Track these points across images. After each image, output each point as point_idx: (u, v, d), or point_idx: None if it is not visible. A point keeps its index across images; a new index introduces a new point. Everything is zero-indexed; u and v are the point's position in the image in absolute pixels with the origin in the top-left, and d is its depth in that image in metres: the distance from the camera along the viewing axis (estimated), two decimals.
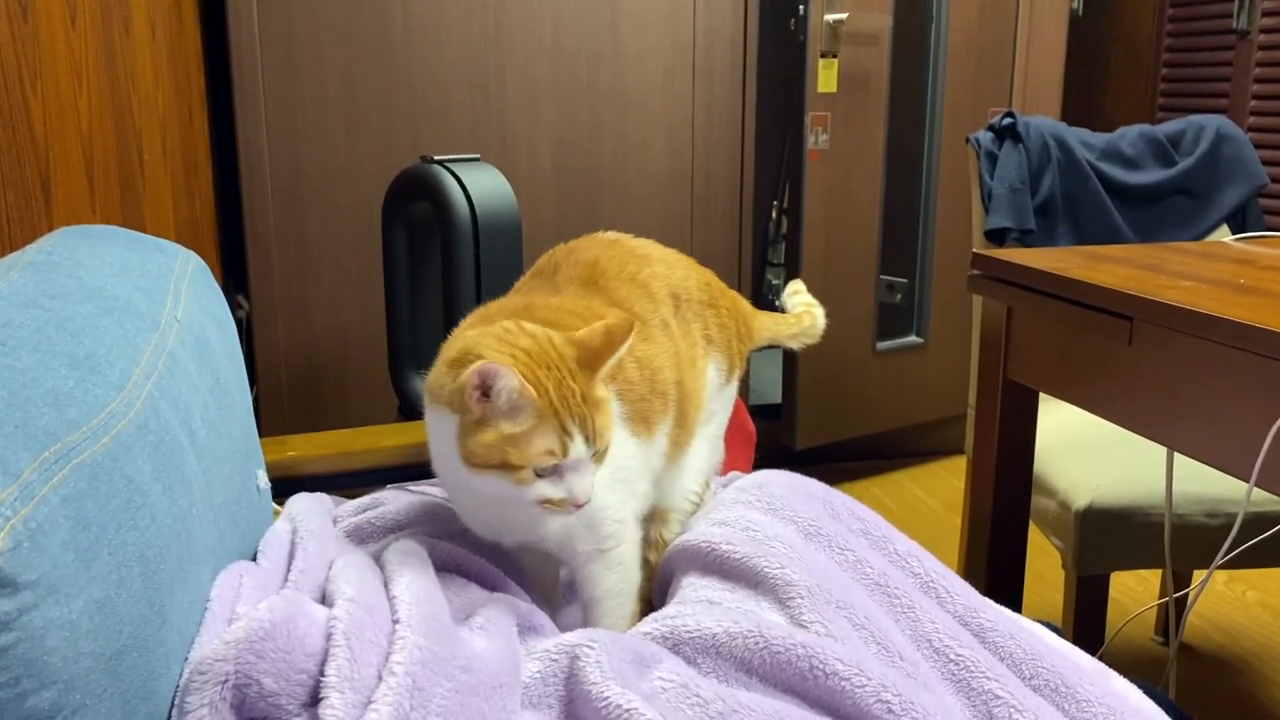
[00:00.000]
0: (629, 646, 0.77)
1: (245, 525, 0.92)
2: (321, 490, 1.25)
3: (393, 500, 1.07)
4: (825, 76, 2.64)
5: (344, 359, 2.45)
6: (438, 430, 0.84)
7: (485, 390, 0.78)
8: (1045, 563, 2.35)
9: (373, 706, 0.59)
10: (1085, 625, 1.61)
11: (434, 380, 0.84)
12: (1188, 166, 2.01)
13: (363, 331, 2.43)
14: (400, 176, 1.98)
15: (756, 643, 0.79)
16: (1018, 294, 1.36)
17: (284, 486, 1.25)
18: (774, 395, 2.89)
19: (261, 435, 2.42)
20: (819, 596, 0.86)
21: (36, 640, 0.52)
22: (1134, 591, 2.32)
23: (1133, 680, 0.93)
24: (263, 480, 1.04)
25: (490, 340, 0.83)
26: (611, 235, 1.12)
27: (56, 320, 0.74)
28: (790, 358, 2.77)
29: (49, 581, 0.54)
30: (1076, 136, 1.97)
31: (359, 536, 0.96)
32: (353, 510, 1.06)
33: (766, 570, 0.88)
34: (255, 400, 2.39)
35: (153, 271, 0.98)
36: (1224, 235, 2.01)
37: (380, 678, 0.62)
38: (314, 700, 0.62)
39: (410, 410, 1.99)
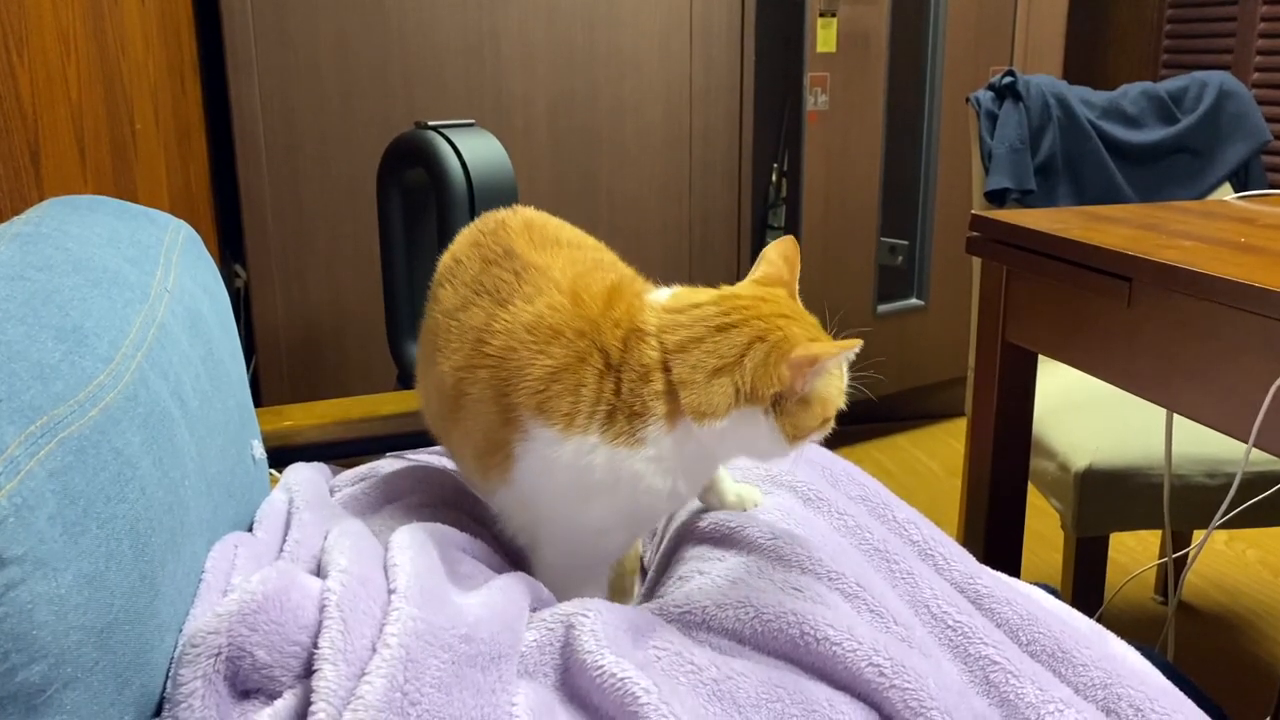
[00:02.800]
0: (624, 616, 0.77)
1: (240, 496, 0.92)
2: (320, 459, 1.25)
3: (389, 468, 1.06)
4: (824, 36, 2.61)
5: (342, 326, 2.44)
6: (739, 431, 0.81)
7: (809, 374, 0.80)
8: (1045, 523, 2.36)
9: (365, 678, 0.59)
10: (1084, 586, 1.61)
11: (722, 393, 0.80)
12: (1190, 124, 1.99)
13: (361, 299, 2.42)
14: (394, 143, 1.96)
15: (747, 612, 0.79)
16: (1016, 255, 1.35)
17: (282, 456, 1.25)
18: None
19: (262, 404, 2.42)
20: (811, 565, 0.86)
21: (24, 615, 0.52)
22: (1133, 551, 2.33)
23: (1131, 642, 0.93)
24: (258, 450, 1.04)
25: (770, 323, 0.82)
26: (492, 220, 0.99)
27: (43, 293, 0.73)
28: None
29: (36, 556, 0.53)
30: (1078, 95, 1.94)
31: (356, 506, 0.96)
32: (349, 480, 1.06)
33: (759, 540, 0.88)
34: (254, 370, 2.39)
35: (142, 242, 0.97)
36: (1226, 193, 1.99)
37: (374, 649, 0.62)
38: (308, 672, 0.62)
39: (408, 379, 1.99)
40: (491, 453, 0.82)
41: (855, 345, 0.82)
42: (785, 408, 0.81)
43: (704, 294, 0.87)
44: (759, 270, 0.90)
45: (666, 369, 0.80)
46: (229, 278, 2.38)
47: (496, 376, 0.81)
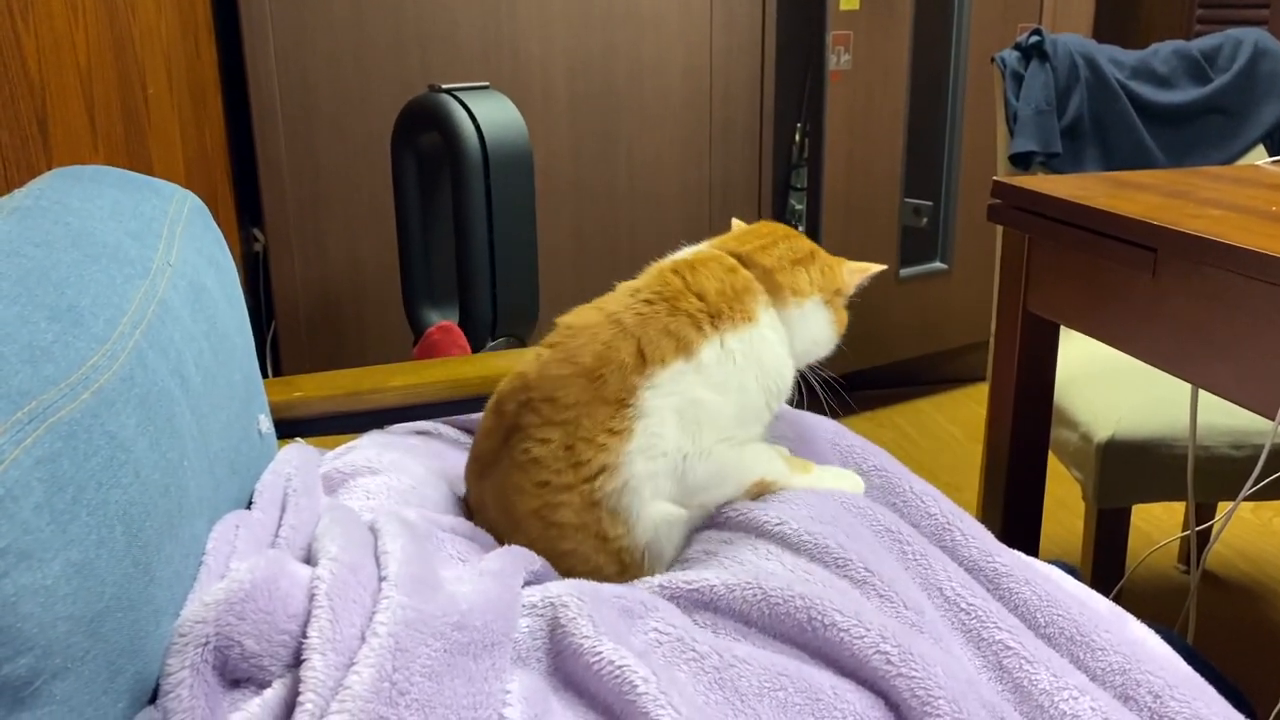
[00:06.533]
0: (615, 598, 0.76)
1: (245, 472, 0.92)
2: (331, 430, 1.25)
3: (373, 445, 1.06)
4: None
5: (361, 291, 2.43)
6: (810, 322, 0.99)
7: None
8: (1068, 490, 2.33)
9: (354, 668, 0.58)
10: (1106, 556, 1.59)
11: (805, 279, 0.99)
12: (1223, 84, 1.93)
13: (379, 263, 2.41)
14: (408, 107, 1.94)
15: (754, 594, 0.77)
16: (1038, 223, 1.32)
17: (293, 428, 1.24)
18: None
19: (281, 368, 2.42)
20: (820, 550, 0.85)
21: (8, 608, 0.51)
22: (1158, 519, 2.30)
23: (1151, 624, 0.91)
24: (265, 425, 1.03)
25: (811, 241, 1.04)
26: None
27: (39, 270, 0.72)
28: None
29: (19, 548, 0.53)
30: (1106, 54, 1.89)
31: (339, 486, 0.96)
32: (333, 458, 1.06)
33: (765, 522, 0.87)
34: (273, 336, 2.39)
35: (145, 214, 0.96)
36: (1260, 156, 1.94)
37: (364, 638, 0.61)
38: (297, 661, 0.61)
39: None
40: (608, 421, 0.88)
41: (883, 267, 1.06)
42: (834, 304, 1.01)
43: (747, 227, 1.06)
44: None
45: (749, 265, 0.98)
46: (248, 242, 2.37)
47: (589, 374, 0.89)
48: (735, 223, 1.10)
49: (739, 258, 0.99)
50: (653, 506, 0.88)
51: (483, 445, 0.95)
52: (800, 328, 0.98)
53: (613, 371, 0.88)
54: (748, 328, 0.93)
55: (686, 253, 1.02)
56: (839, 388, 1.02)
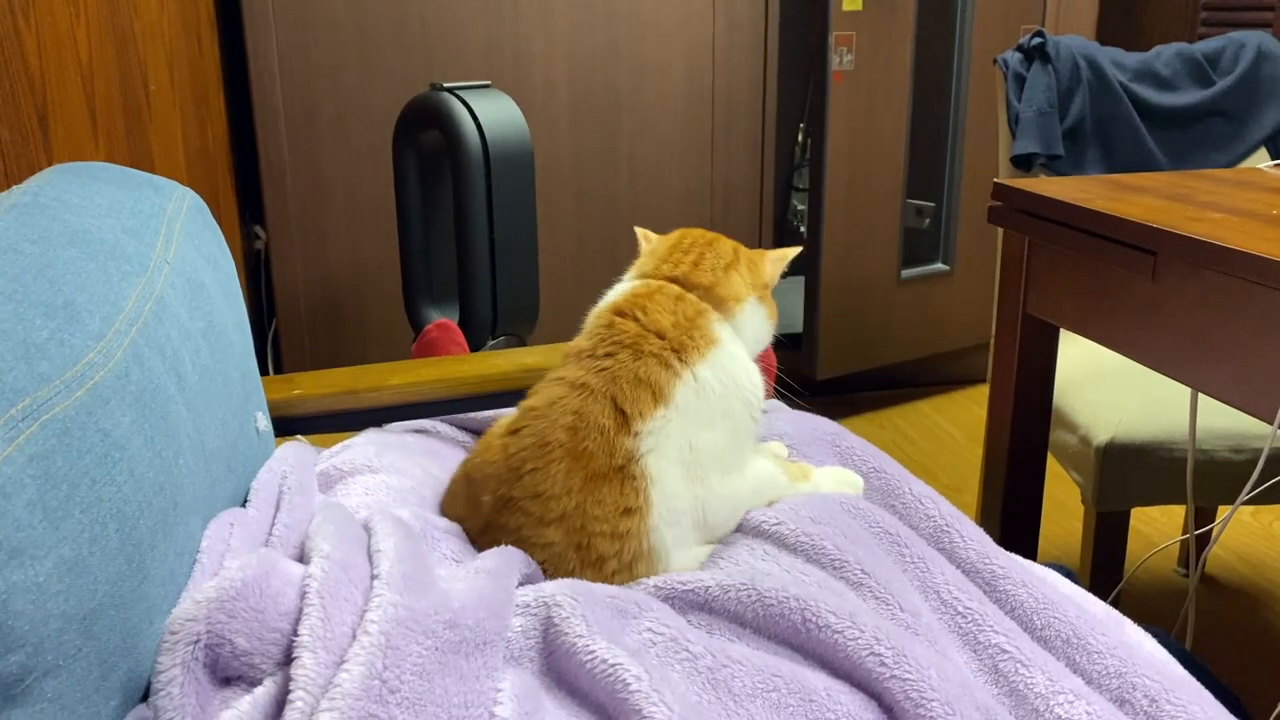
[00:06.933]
0: (609, 598, 0.76)
1: (241, 470, 0.91)
2: (329, 429, 1.24)
3: (369, 444, 1.06)
4: None
5: (361, 289, 2.43)
6: (752, 322, 0.99)
7: None
8: (1067, 493, 2.33)
9: (344, 666, 0.58)
10: (1104, 559, 1.59)
11: (739, 281, 1.00)
12: (1225, 87, 1.92)
13: (380, 261, 2.41)
14: (410, 105, 1.94)
15: (749, 595, 0.77)
16: (1038, 225, 1.32)
17: (291, 426, 1.24)
18: (795, 324, 2.86)
19: (282, 369, 2.42)
20: (816, 551, 0.85)
21: None
22: (1157, 522, 2.30)
23: (1147, 628, 0.91)
24: (262, 423, 1.03)
25: (730, 240, 1.05)
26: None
27: (36, 267, 0.72)
28: (812, 286, 2.73)
29: (11, 545, 0.53)
30: (1109, 56, 1.89)
31: (335, 484, 0.95)
32: (329, 456, 1.05)
33: (763, 523, 0.87)
34: (274, 334, 2.39)
35: (143, 211, 0.95)
36: (1262, 159, 1.93)
37: (355, 636, 0.61)
38: (288, 660, 0.61)
39: None
40: (618, 496, 0.85)
41: (798, 250, 1.08)
42: (765, 297, 1.01)
43: (664, 240, 1.04)
44: (653, 238, 1.08)
45: (689, 286, 0.96)
46: (249, 240, 2.37)
47: (572, 451, 0.86)
48: (642, 235, 1.08)
49: (677, 281, 0.97)
50: (680, 556, 0.87)
51: (459, 511, 0.93)
52: (746, 331, 0.98)
53: (595, 439, 0.84)
54: (713, 351, 0.91)
55: (622, 290, 0.99)
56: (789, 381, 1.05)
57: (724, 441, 0.89)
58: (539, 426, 0.87)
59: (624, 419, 0.85)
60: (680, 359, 0.89)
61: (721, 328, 0.94)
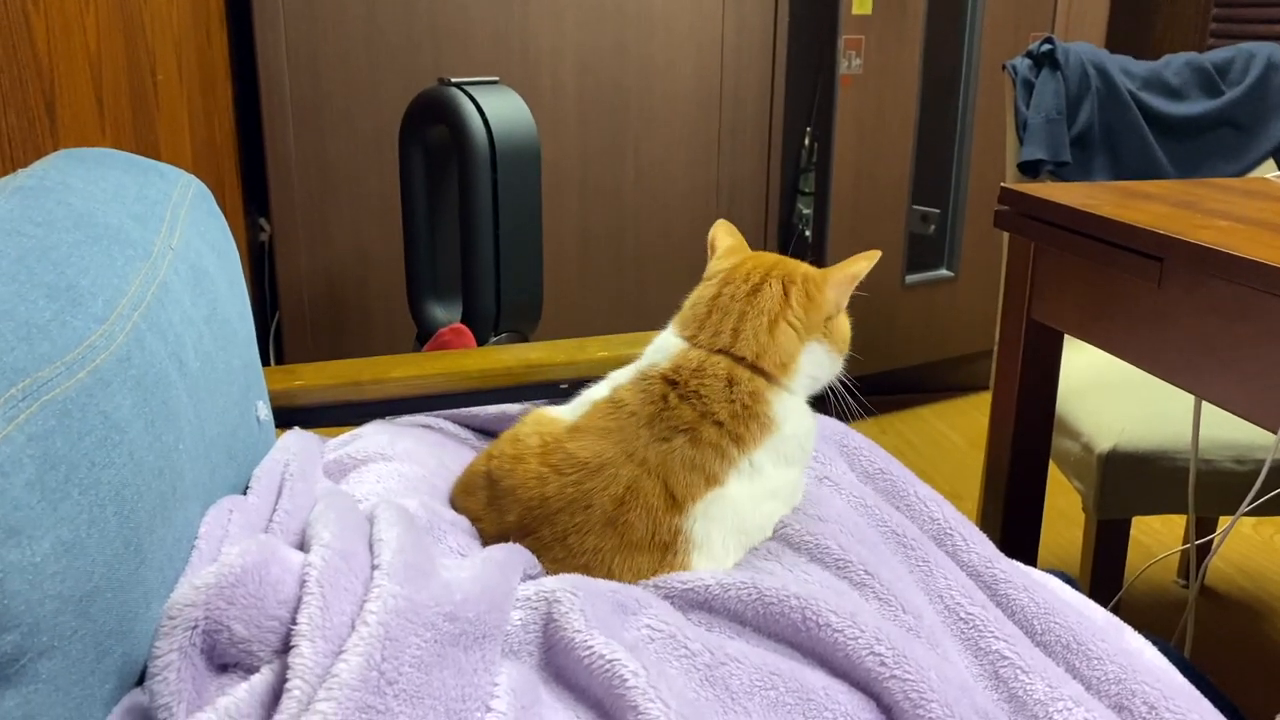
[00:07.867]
0: (609, 594, 0.75)
1: (242, 458, 0.91)
2: (330, 421, 1.24)
3: (376, 435, 1.05)
4: None
5: (366, 283, 2.43)
6: (811, 367, 0.94)
7: None
8: (1068, 500, 2.32)
9: (342, 656, 0.58)
10: (1105, 568, 1.59)
11: (788, 338, 0.92)
12: (1235, 97, 1.92)
13: (384, 255, 2.41)
14: (417, 100, 1.93)
15: (749, 594, 0.77)
16: (1045, 231, 1.31)
17: (292, 417, 1.24)
18: None
19: (285, 357, 2.41)
20: (819, 550, 0.84)
21: None
22: (1157, 533, 2.29)
23: (1147, 636, 0.91)
24: (263, 412, 1.03)
25: (784, 267, 0.96)
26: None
27: (39, 249, 0.72)
28: None
29: (9, 524, 0.52)
30: (1118, 64, 1.88)
31: (341, 475, 0.95)
32: (335, 446, 1.05)
33: None
34: (277, 326, 2.38)
35: (149, 198, 0.95)
36: (1270, 170, 1.93)
37: (354, 626, 0.61)
38: (286, 648, 0.61)
39: (426, 338, 1.98)
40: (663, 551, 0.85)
41: (877, 255, 0.96)
42: (830, 327, 0.95)
43: (705, 289, 0.96)
44: (721, 246, 1.00)
45: (738, 361, 0.90)
46: (253, 231, 2.37)
47: (613, 521, 0.85)
48: (711, 240, 1.02)
49: (727, 355, 0.90)
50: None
51: (476, 508, 0.92)
52: (805, 380, 0.93)
53: (639, 515, 0.84)
54: (770, 439, 0.89)
55: (672, 356, 0.92)
56: (856, 391, 0.98)
57: (767, 508, 0.90)
58: (585, 485, 0.85)
59: (674, 501, 0.85)
60: (738, 448, 0.87)
61: (779, 402, 0.90)
